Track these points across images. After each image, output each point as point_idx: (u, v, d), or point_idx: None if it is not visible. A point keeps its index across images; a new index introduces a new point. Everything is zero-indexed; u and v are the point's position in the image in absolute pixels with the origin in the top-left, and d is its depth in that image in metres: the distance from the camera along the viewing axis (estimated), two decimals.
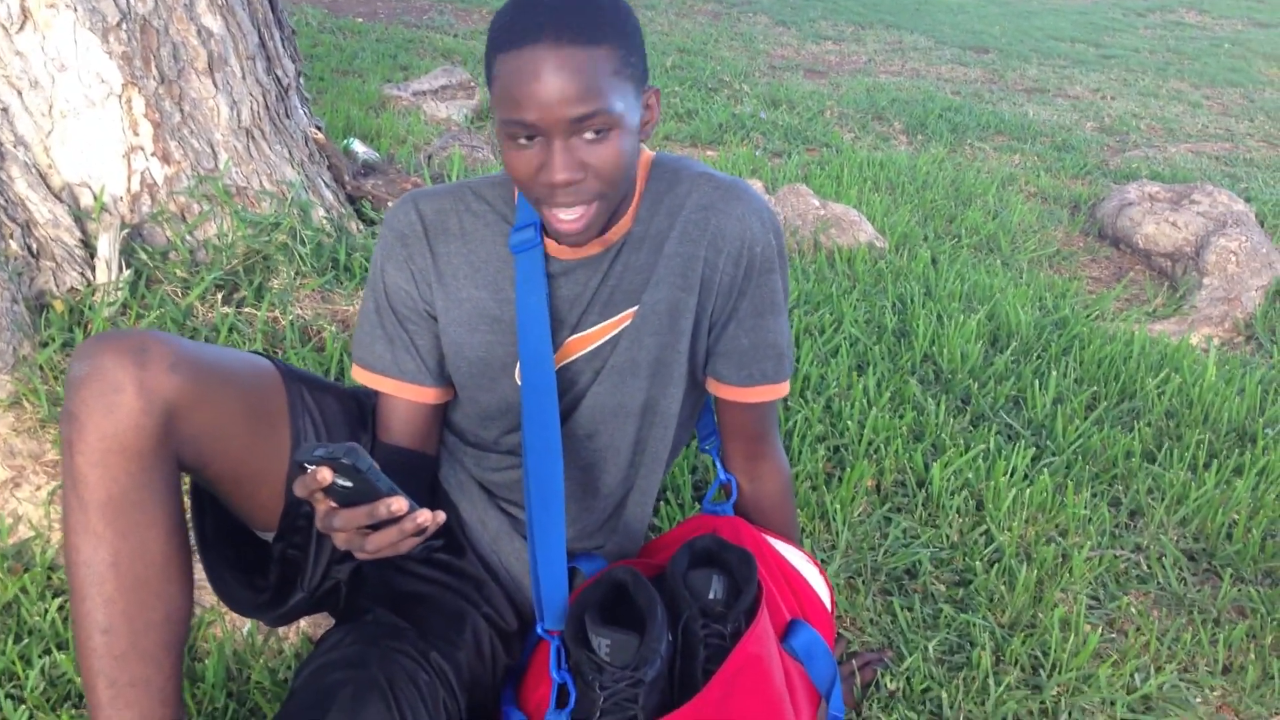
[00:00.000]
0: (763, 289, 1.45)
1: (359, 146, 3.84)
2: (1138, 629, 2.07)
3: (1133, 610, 2.10)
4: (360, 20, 7.33)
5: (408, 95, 4.96)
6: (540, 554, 1.42)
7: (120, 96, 2.47)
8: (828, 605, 1.66)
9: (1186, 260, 4.04)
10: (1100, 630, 2.03)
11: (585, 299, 1.44)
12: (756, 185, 3.82)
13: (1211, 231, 4.02)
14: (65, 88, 2.41)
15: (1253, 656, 2.00)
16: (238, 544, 1.50)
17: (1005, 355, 2.87)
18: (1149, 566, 2.24)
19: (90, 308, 2.34)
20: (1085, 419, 2.64)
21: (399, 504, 1.16)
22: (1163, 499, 2.41)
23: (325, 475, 1.14)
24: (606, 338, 1.46)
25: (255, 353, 1.51)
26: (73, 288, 2.40)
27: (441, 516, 1.21)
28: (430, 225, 1.44)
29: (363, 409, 1.56)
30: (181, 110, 2.56)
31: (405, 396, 1.50)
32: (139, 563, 1.25)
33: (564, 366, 1.48)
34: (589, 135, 1.23)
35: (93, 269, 2.42)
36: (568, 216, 1.28)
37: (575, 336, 1.46)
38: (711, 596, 1.44)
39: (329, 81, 5.30)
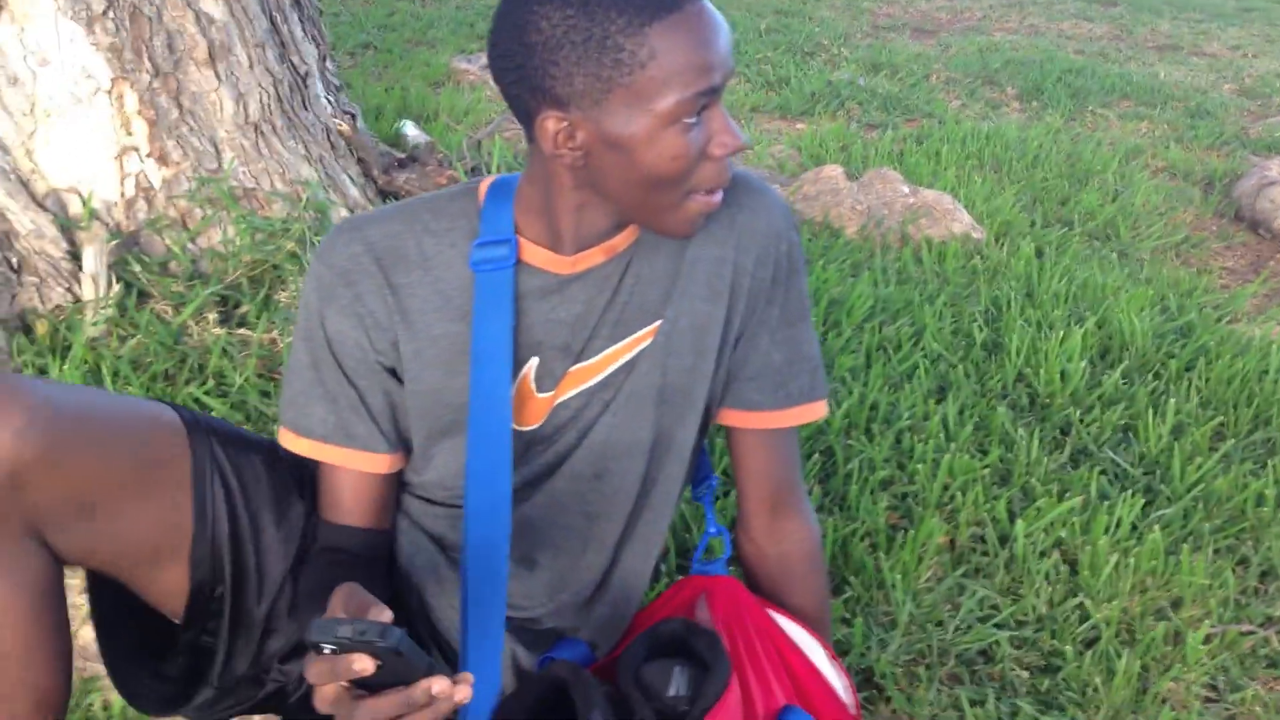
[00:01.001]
0: (793, 293, 1.27)
1: (411, 130, 3.59)
2: None
3: (1258, 708, 1.74)
4: None
5: (476, 69, 4.69)
6: (473, 650, 1.18)
7: (110, 92, 2.25)
8: (845, 698, 1.36)
9: None
10: None
11: (591, 320, 1.20)
12: (836, 171, 3.45)
13: None
14: (48, 84, 2.20)
15: None
16: (145, 627, 1.26)
17: (1115, 374, 2.47)
18: None
19: (71, 328, 2.12)
20: (1209, 455, 2.25)
21: (442, 685, 0.89)
22: None
23: (366, 664, 0.87)
24: (620, 362, 1.22)
25: (159, 399, 1.26)
26: (58, 305, 2.19)
27: (468, 690, 0.93)
28: (383, 255, 1.17)
29: (301, 473, 1.30)
30: (180, 106, 2.33)
31: (356, 467, 1.23)
32: None
33: (565, 401, 1.23)
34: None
35: (80, 283, 2.20)
36: (717, 196, 1.11)
37: (581, 365, 1.22)
38: (673, 692, 1.19)
39: (398, 54, 5.05)
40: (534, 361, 1.21)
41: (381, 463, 1.23)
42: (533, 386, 1.22)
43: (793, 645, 1.35)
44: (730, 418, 1.30)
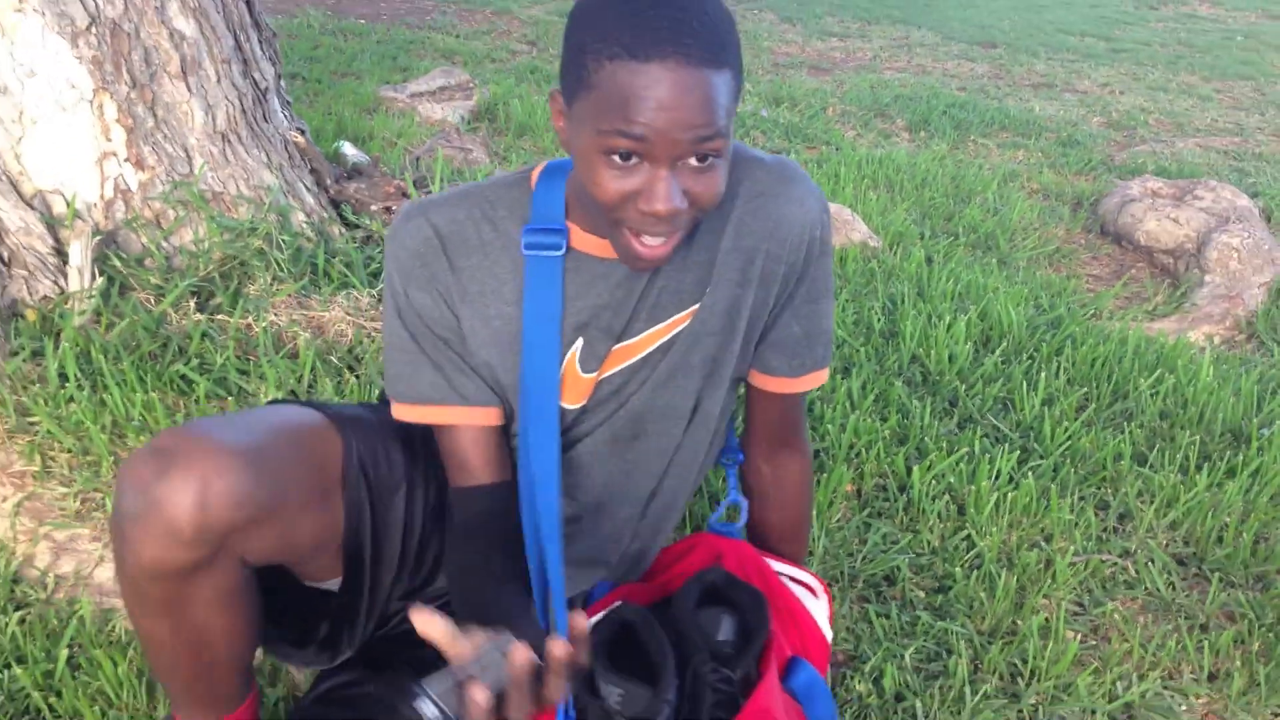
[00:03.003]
0: (819, 272, 1.36)
1: (349, 149, 3.82)
2: (1121, 636, 2.02)
3: (1116, 617, 2.05)
4: (363, 21, 7.30)
5: (404, 97, 4.93)
6: (555, 598, 1.33)
7: (92, 102, 2.45)
8: (828, 633, 1.61)
9: (1188, 257, 3.98)
10: (1082, 637, 1.99)
11: (630, 304, 1.32)
12: None
13: (1214, 228, 3.96)
14: (35, 93, 2.39)
15: (1239, 663, 1.95)
16: (278, 591, 1.43)
17: (994, 356, 2.82)
18: (1137, 572, 2.19)
19: (62, 316, 2.32)
20: (1076, 421, 2.59)
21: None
22: (1152, 502, 2.36)
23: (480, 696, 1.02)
24: (659, 343, 1.35)
25: (310, 403, 1.40)
26: (46, 296, 2.38)
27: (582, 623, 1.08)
28: (447, 238, 1.29)
29: (409, 440, 1.46)
30: (155, 115, 2.54)
31: (473, 422, 1.35)
32: (196, 632, 1.27)
33: (608, 378, 1.37)
34: (696, 160, 1.12)
35: (66, 277, 2.40)
36: (654, 243, 1.16)
37: (622, 345, 1.34)
38: (721, 637, 1.38)
39: (326, 84, 5.28)
40: (579, 343, 1.32)
41: (494, 415, 1.36)
42: (578, 368, 1.34)
43: (795, 598, 1.56)
44: (753, 377, 1.45)
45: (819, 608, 1.60)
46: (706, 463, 1.52)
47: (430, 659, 1.45)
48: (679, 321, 1.34)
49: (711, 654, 1.36)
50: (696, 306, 1.33)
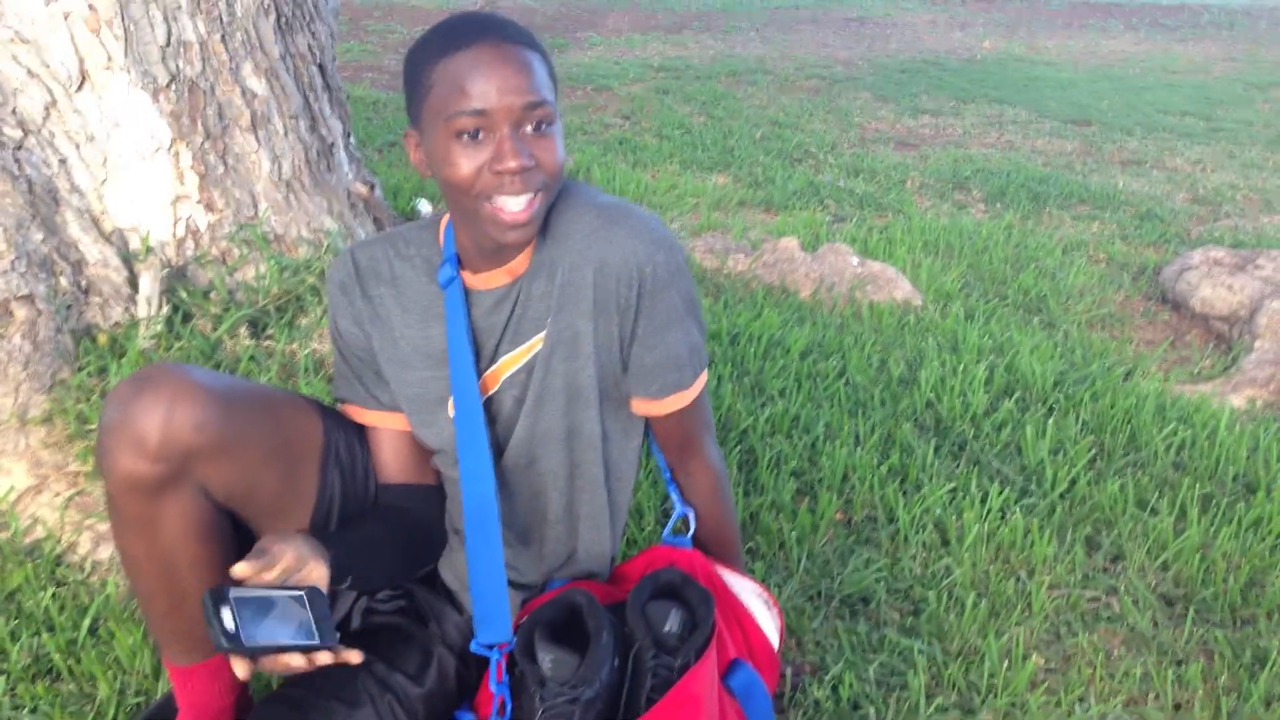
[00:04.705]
0: (659, 306, 1.48)
1: (424, 206, 4.09)
2: (1089, 664, 2.07)
3: (1086, 646, 2.11)
4: None
5: None
6: (475, 571, 1.51)
7: (169, 150, 2.73)
8: (775, 643, 1.72)
9: (1241, 324, 3.97)
10: (1050, 663, 2.04)
11: (498, 329, 1.51)
12: (793, 243, 3.92)
13: (1268, 295, 3.95)
14: (119, 142, 2.68)
15: (1202, 694, 1.99)
16: None
17: (1009, 402, 2.89)
18: (1120, 609, 2.24)
19: (129, 339, 2.57)
20: (1080, 466, 2.64)
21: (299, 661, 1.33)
22: (1146, 543, 2.40)
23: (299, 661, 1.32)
24: (519, 365, 1.52)
25: (298, 393, 1.62)
26: (117, 322, 2.64)
27: (356, 658, 1.37)
28: (363, 272, 1.54)
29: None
30: (225, 163, 2.81)
31: (389, 425, 1.60)
32: (166, 555, 1.42)
33: (489, 398, 1.54)
34: (532, 128, 1.32)
35: (137, 305, 2.66)
36: (516, 205, 1.33)
37: (492, 369, 1.53)
38: (667, 629, 1.50)
39: None
40: None
41: (405, 420, 1.59)
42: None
43: (742, 606, 1.69)
44: (632, 405, 1.59)
45: (769, 619, 1.71)
46: (621, 480, 1.66)
47: (385, 676, 1.59)
48: (533, 346, 1.50)
49: (656, 642, 1.49)
50: (544, 333, 1.49)
